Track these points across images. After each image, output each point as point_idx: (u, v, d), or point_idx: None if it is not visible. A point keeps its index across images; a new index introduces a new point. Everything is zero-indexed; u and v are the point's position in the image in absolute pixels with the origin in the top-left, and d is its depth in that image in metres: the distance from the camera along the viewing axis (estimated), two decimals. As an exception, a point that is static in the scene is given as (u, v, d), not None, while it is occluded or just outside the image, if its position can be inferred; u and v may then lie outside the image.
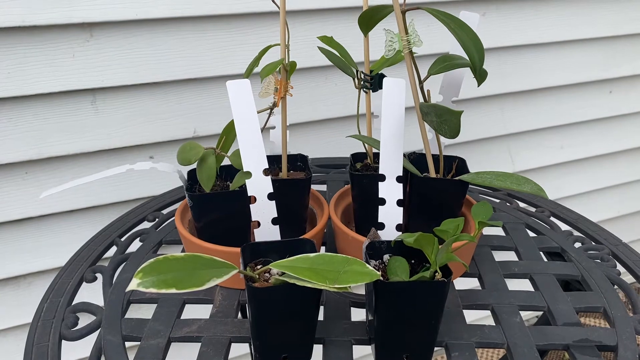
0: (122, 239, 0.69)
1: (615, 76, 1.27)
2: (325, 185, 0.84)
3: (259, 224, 0.53)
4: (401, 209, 0.54)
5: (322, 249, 0.68)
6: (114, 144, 0.91)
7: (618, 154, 1.40)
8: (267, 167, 0.51)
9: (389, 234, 0.55)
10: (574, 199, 1.40)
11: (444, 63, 0.58)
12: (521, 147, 1.27)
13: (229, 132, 0.58)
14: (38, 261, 0.93)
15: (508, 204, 0.80)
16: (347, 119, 1.05)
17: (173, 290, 0.39)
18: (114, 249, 0.68)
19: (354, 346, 0.53)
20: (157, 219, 0.73)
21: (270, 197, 0.52)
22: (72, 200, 0.91)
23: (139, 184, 0.95)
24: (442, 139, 0.63)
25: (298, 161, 0.67)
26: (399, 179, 0.54)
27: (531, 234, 0.73)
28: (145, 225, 0.73)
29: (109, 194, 0.93)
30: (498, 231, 0.73)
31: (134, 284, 0.38)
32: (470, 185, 0.82)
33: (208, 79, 0.93)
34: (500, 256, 0.67)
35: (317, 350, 0.52)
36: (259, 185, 0.52)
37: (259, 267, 0.50)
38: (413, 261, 0.52)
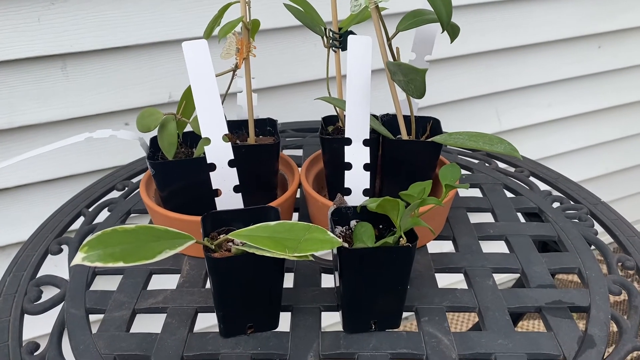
0: (90, 209, 0.67)
1: (605, 30, 1.23)
2: (301, 150, 0.82)
3: (220, 192, 0.51)
4: (368, 173, 0.53)
5: (295, 215, 0.67)
6: (87, 111, 0.88)
7: (607, 111, 1.37)
8: (227, 132, 0.49)
9: (356, 199, 0.53)
10: (562, 157, 1.38)
11: (413, 19, 0.55)
12: (508, 106, 1.25)
13: (190, 97, 0.55)
14: (17, 232, 0.91)
15: (487, 164, 0.78)
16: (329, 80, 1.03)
17: (120, 264, 0.37)
18: (81, 219, 0.66)
19: (323, 313, 0.52)
20: (126, 188, 0.72)
21: (231, 164, 0.50)
22: (49, 169, 0.89)
23: (122, 152, 0.93)
24: (417, 99, 0.61)
25: (267, 126, 0.64)
26: (365, 142, 0.52)
27: (509, 195, 0.71)
28: (115, 194, 0.71)
29: (88, 162, 0.91)
30: (475, 192, 0.72)
31: (78, 259, 0.37)
32: (449, 147, 0.80)
33: (182, 40, 0.89)
34: (476, 218, 0.65)
35: (286, 318, 0.52)
36: (219, 152, 0.50)
37: (222, 236, 0.48)
38: (381, 226, 0.51)
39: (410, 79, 0.49)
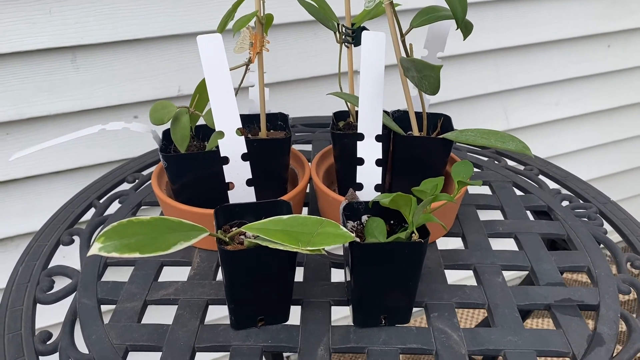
0: (101, 201, 0.68)
1: (614, 29, 1.23)
2: (310, 145, 0.82)
3: (233, 186, 0.51)
4: (380, 169, 0.53)
5: (305, 210, 0.67)
6: (96, 104, 0.88)
7: (615, 110, 1.37)
8: (241, 126, 0.50)
9: (367, 194, 0.53)
10: (570, 155, 1.38)
11: (427, 15, 0.55)
12: (516, 104, 1.25)
13: (203, 90, 0.55)
14: (25, 223, 0.92)
15: (496, 162, 0.78)
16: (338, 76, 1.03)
17: (137, 255, 0.38)
18: (92, 211, 0.67)
19: (332, 307, 0.53)
20: (137, 180, 0.72)
21: (244, 157, 0.50)
22: (58, 161, 0.89)
23: (129, 144, 0.93)
24: (428, 96, 0.61)
25: (278, 120, 0.65)
26: (378, 138, 0.52)
27: (519, 193, 0.71)
28: (125, 186, 0.71)
29: (95, 155, 0.92)
30: (484, 190, 0.72)
31: (95, 249, 0.37)
32: (458, 144, 0.80)
33: (191, 34, 0.90)
34: (486, 215, 0.65)
35: (296, 312, 0.52)
36: (232, 146, 0.50)
37: (234, 229, 0.48)
38: (392, 222, 0.51)
39: (424, 76, 0.49)
